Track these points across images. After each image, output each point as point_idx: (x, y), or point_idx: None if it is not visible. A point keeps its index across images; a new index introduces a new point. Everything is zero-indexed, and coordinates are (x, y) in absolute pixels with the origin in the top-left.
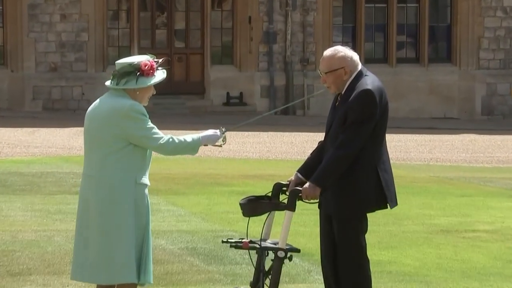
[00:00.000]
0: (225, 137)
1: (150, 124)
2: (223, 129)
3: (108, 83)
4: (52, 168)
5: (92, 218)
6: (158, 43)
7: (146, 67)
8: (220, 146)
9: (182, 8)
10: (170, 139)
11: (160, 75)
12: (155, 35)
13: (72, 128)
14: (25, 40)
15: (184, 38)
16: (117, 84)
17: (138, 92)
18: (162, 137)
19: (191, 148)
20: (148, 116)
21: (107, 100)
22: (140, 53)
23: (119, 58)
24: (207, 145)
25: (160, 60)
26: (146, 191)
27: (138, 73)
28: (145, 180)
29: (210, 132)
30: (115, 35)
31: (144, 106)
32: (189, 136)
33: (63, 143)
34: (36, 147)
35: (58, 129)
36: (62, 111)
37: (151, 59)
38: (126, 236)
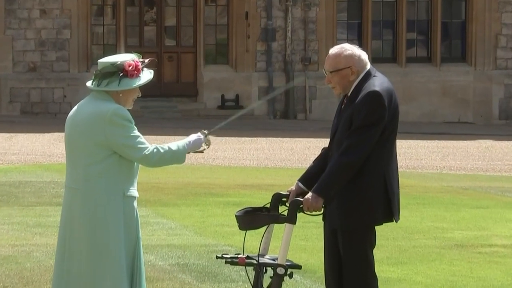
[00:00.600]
0: (208, 140)
1: (135, 132)
2: (205, 132)
3: (89, 83)
4: (31, 177)
5: (78, 234)
6: (146, 41)
7: (130, 67)
8: (202, 151)
9: (173, 3)
10: (155, 150)
11: (146, 76)
12: (144, 32)
13: (52, 133)
14: (1, 37)
15: (175, 36)
16: (98, 85)
17: (121, 95)
18: (147, 148)
19: (177, 157)
20: (133, 122)
21: (89, 105)
22: (127, 52)
23: (104, 57)
24: (189, 153)
25: (146, 60)
26: (135, 203)
27: (121, 74)
28: (133, 191)
29: (193, 137)
30: (100, 32)
31: (129, 110)
32: (173, 144)
33: (43, 149)
34: (14, 154)
35: (37, 134)
36: (42, 115)
37: (136, 59)
38: (116, 254)
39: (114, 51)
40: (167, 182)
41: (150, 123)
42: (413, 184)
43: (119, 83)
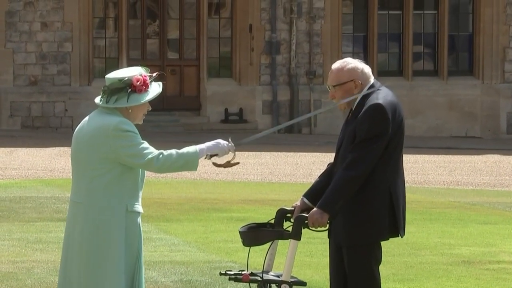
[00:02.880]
0: (233, 149)
1: (138, 140)
2: (230, 141)
3: (97, 100)
4: (31, 193)
5: (78, 248)
6: (149, 54)
7: (139, 82)
8: (230, 165)
9: (176, 16)
10: (161, 154)
11: (155, 89)
12: (146, 45)
13: (53, 148)
14: (2, 51)
15: (178, 49)
16: (107, 102)
17: (130, 110)
18: (151, 152)
19: (187, 161)
20: (137, 132)
21: (95, 119)
22: (129, 65)
23: (106, 70)
24: (210, 158)
25: (154, 74)
26: (139, 219)
27: (129, 90)
28: (138, 207)
29: (214, 142)
30: (102, 45)
31: (137, 125)
32: (185, 148)
33: (44, 164)
34: (14, 169)
35: (38, 149)
36: (42, 129)
37: (144, 73)
38: (115, 269)
39: (116, 64)
40: (170, 197)
41: (152, 137)
42: (419, 200)
43: (127, 99)
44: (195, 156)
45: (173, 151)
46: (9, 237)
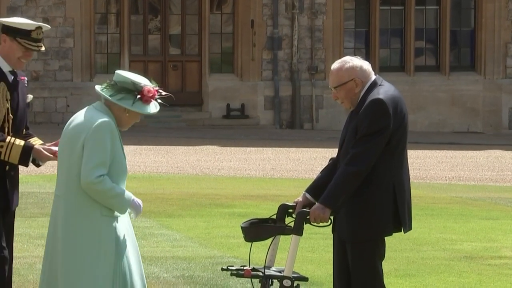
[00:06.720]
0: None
1: (106, 152)
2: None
3: (98, 88)
4: (33, 188)
5: (61, 243)
6: (151, 50)
7: (149, 93)
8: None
9: (178, 11)
10: (104, 177)
11: (154, 107)
12: (148, 40)
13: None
14: None
15: (179, 44)
16: (111, 96)
17: (128, 114)
18: (101, 175)
19: (121, 201)
20: (111, 142)
21: (86, 115)
22: (130, 60)
23: (108, 66)
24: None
25: (164, 93)
26: (115, 223)
27: (137, 96)
28: (113, 212)
29: (140, 202)
30: (104, 41)
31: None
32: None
33: None
34: None
35: None
36: (44, 124)
37: (154, 87)
38: (92, 268)
39: (118, 60)
40: (172, 192)
41: (154, 132)
42: (421, 195)
43: (133, 103)
44: (128, 203)
45: (116, 186)
46: None
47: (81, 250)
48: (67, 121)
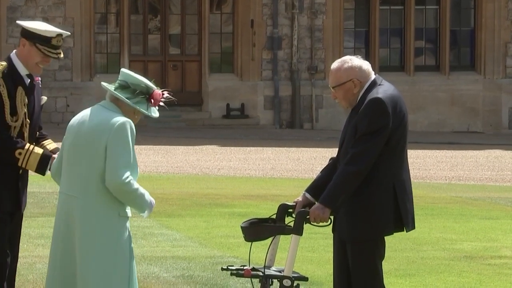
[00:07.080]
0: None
1: (130, 151)
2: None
3: (111, 87)
4: (33, 188)
5: (79, 243)
6: (150, 50)
7: (159, 97)
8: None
9: (177, 11)
10: (132, 179)
11: (155, 111)
12: (148, 40)
13: (55, 143)
14: (3, 46)
15: (179, 44)
16: (129, 99)
17: (136, 116)
18: (128, 176)
19: (143, 201)
20: (134, 140)
21: (98, 114)
22: (130, 60)
23: (108, 66)
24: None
25: (172, 98)
26: (128, 224)
27: (147, 97)
28: (128, 211)
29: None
30: (103, 40)
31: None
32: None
33: None
34: None
35: None
36: (44, 124)
37: (162, 90)
38: (110, 268)
39: (118, 60)
40: (172, 192)
41: (154, 132)
42: (421, 195)
43: (147, 107)
44: (147, 203)
45: (140, 186)
46: None
47: (100, 250)
48: (67, 121)
